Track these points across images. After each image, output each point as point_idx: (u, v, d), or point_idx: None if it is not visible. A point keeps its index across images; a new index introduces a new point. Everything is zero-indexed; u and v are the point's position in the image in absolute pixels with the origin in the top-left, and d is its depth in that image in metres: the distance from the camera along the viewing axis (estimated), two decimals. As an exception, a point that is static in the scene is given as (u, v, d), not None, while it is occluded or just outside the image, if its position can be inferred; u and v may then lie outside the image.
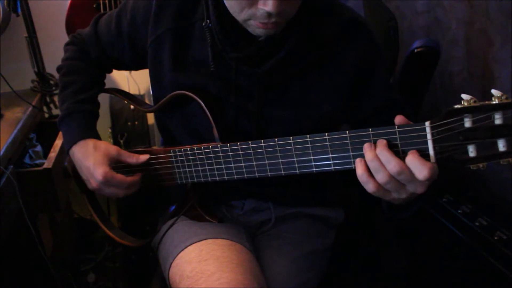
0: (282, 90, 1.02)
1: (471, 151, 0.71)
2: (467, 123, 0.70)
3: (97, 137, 1.12)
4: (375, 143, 0.80)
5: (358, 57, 1.00)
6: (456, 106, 0.70)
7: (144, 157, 1.08)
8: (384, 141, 0.79)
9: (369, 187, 0.81)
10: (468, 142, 0.71)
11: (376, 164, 0.79)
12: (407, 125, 0.76)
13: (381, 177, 0.79)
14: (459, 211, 1.30)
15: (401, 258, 1.48)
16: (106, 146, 1.07)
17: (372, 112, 1.04)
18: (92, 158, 1.05)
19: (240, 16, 0.90)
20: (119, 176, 1.05)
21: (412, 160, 0.76)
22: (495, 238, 1.18)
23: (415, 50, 1.23)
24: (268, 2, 0.83)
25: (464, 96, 0.70)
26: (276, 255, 1.13)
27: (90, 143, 1.07)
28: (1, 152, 1.29)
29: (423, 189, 0.80)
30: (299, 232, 1.18)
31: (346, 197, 1.28)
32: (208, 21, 0.98)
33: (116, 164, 1.08)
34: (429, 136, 0.74)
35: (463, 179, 1.47)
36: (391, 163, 0.77)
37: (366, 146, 0.81)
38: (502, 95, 0.67)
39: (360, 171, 0.81)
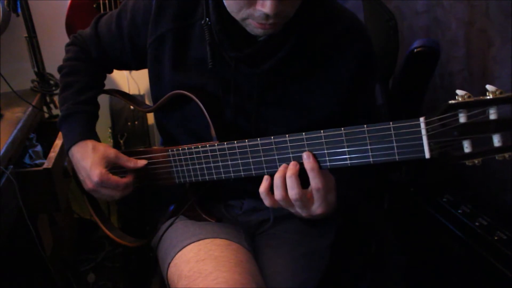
0: (281, 91, 1.02)
1: (466, 146, 0.71)
2: (462, 119, 0.70)
3: (97, 138, 1.12)
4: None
5: (356, 63, 1.00)
6: (450, 102, 0.70)
7: (142, 162, 1.09)
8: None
9: (267, 202, 0.90)
10: (463, 137, 0.70)
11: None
12: (402, 121, 0.76)
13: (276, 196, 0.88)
14: (459, 211, 1.30)
15: (401, 258, 1.48)
16: (104, 149, 1.08)
17: (350, 117, 1.05)
18: (89, 159, 1.06)
19: (238, 16, 0.90)
20: (115, 178, 1.06)
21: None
22: (495, 238, 1.17)
23: (415, 50, 1.23)
24: (266, 3, 0.83)
25: (458, 91, 0.70)
26: (275, 255, 1.13)
27: (89, 144, 1.08)
28: (1, 152, 1.29)
29: (321, 207, 0.88)
30: (298, 232, 1.18)
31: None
32: (207, 19, 0.98)
33: (113, 167, 1.09)
34: (423, 132, 0.73)
35: (463, 179, 1.47)
36: (294, 190, 0.85)
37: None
38: (496, 90, 0.67)
39: (262, 188, 0.89)
